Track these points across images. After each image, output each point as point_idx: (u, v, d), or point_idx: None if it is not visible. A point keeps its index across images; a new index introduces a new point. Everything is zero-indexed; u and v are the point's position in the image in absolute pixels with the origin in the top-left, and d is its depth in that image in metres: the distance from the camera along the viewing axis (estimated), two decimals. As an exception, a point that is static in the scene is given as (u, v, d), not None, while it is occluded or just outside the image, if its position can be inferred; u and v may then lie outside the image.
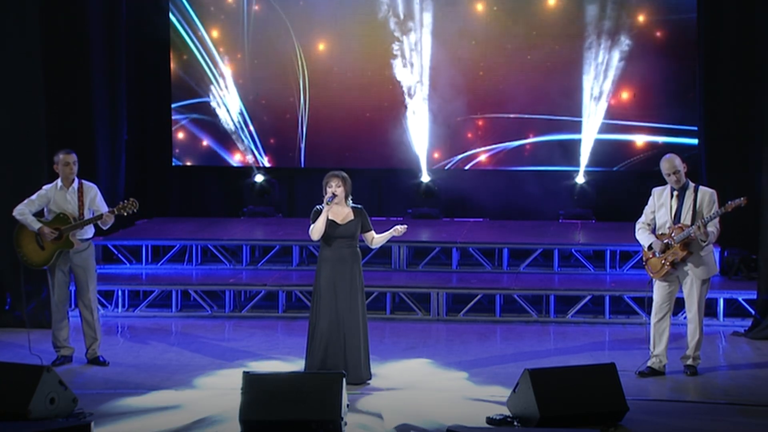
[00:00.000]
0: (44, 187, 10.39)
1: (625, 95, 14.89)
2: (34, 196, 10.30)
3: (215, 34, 15.42)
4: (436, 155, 15.31)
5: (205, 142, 15.59)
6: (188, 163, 15.64)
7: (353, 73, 15.26)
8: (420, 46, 15.12)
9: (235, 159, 15.57)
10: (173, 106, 15.52)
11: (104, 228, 10.38)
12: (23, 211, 10.22)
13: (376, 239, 9.80)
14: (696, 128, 14.17)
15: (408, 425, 8.52)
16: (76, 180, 10.33)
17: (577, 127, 14.95)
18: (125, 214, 10.30)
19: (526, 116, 15.05)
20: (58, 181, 10.32)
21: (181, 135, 15.58)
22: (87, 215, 10.25)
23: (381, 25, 15.13)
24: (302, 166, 15.51)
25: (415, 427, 8.49)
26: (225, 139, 15.54)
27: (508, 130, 15.18)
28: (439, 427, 8.34)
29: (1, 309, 11.93)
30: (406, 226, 9.70)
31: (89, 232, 10.37)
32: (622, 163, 15.01)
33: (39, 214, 10.29)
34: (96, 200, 10.35)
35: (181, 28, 15.39)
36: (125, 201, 10.28)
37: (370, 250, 10.29)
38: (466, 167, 15.34)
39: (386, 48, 15.14)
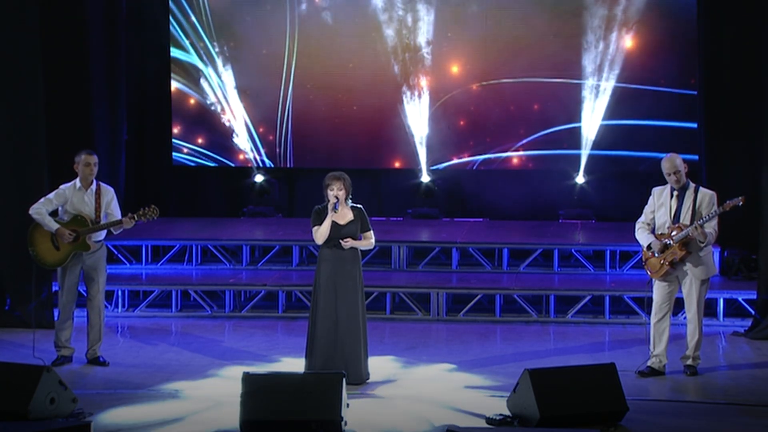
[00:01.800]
0: (62, 186, 10.28)
1: (624, 95, 14.88)
2: (51, 195, 10.22)
3: (214, 33, 15.42)
4: (436, 155, 15.32)
5: (204, 142, 15.59)
6: (187, 163, 15.66)
7: (353, 72, 15.26)
8: (421, 41, 15.15)
9: (235, 158, 15.58)
10: (173, 105, 15.54)
11: (115, 233, 10.33)
12: (40, 211, 10.13)
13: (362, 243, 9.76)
14: (696, 126, 14.18)
15: (407, 425, 8.52)
16: (95, 182, 10.28)
17: (577, 122, 14.99)
18: (145, 221, 10.21)
19: (528, 109, 15.12)
20: (77, 182, 10.23)
21: (180, 134, 15.59)
22: (103, 218, 10.22)
23: (380, 21, 15.15)
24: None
25: (414, 426, 8.49)
26: (224, 138, 15.56)
27: (508, 129, 15.19)
28: (439, 427, 8.33)
29: (1, 309, 11.92)
30: (350, 239, 9.60)
31: (102, 233, 10.32)
32: (621, 164, 15.02)
33: (53, 214, 10.23)
34: (111, 204, 10.28)
35: (180, 28, 15.39)
36: (146, 207, 10.16)
37: (370, 250, 10.28)
38: (467, 167, 15.35)
39: (386, 44, 15.14)
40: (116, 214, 10.23)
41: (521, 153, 15.16)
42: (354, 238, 9.62)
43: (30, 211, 10.16)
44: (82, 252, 10.17)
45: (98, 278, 10.33)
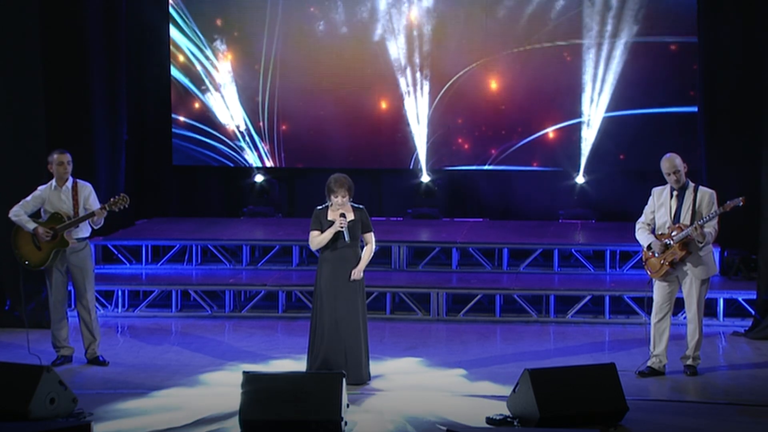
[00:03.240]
0: (39, 187, 10.37)
1: (624, 95, 14.88)
2: (29, 198, 10.31)
3: (213, 34, 15.42)
4: (437, 154, 15.31)
5: (204, 141, 15.59)
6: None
7: (353, 72, 15.26)
8: (420, 42, 15.15)
9: (235, 158, 15.58)
10: (173, 105, 15.55)
11: (95, 227, 10.36)
12: (18, 213, 10.22)
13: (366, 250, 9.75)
14: (697, 124, 14.18)
15: (408, 426, 8.53)
16: (70, 179, 10.31)
17: (577, 126, 15.00)
18: (117, 210, 10.27)
19: (527, 115, 15.11)
20: (53, 182, 10.30)
21: (180, 134, 15.59)
22: (82, 214, 10.24)
23: (378, 12, 15.18)
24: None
25: (414, 427, 8.49)
26: (224, 138, 15.55)
27: (508, 128, 15.18)
28: (439, 427, 8.34)
29: (1, 309, 11.93)
30: (357, 269, 9.62)
31: (85, 231, 10.35)
32: (621, 163, 15.03)
33: (36, 215, 10.28)
34: (90, 199, 10.33)
35: (179, 29, 15.39)
36: (116, 196, 10.26)
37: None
38: (467, 167, 15.34)
39: (384, 38, 15.14)
40: (95, 209, 10.25)
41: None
42: (354, 239, 9.61)
43: (9, 214, 10.27)
44: (64, 250, 10.20)
45: (85, 278, 10.35)
